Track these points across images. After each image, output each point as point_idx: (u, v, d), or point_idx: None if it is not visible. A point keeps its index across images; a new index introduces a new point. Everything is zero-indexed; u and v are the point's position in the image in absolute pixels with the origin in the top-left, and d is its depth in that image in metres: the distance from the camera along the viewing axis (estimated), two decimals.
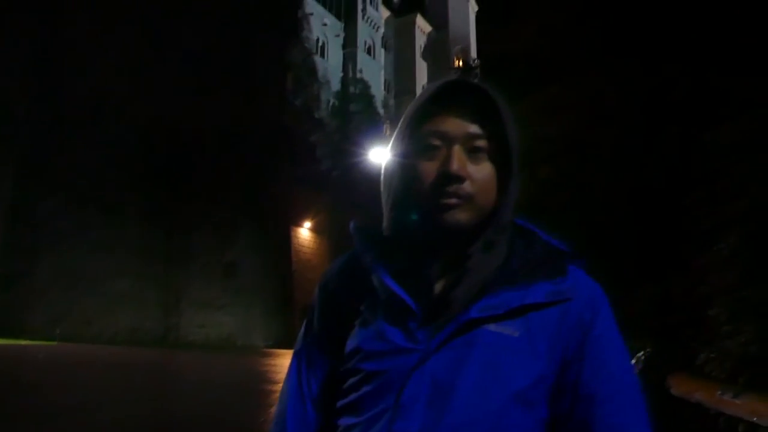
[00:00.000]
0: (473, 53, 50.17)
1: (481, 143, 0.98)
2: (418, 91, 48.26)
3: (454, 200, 0.96)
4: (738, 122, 5.51)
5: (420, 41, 50.72)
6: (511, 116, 1.01)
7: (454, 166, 0.95)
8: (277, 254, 21.65)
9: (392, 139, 1.06)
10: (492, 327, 0.94)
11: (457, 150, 0.97)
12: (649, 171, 6.61)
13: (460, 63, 38.06)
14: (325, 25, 36.57)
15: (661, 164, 6.48)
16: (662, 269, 7.21)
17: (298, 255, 27.27)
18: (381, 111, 43.23)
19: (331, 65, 37.23)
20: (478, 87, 0.99)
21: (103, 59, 12.32)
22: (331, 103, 36.81)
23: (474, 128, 0.98)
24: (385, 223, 1.05)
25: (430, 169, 0.98)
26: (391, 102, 47.45)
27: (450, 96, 0.99)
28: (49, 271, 14.12)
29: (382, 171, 1.07)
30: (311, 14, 35.09)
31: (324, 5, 36.93)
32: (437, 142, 0.98)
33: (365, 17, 40.62)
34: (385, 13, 45.00)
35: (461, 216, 0.96)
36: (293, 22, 29.01)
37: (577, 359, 0.95)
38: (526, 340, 0.93)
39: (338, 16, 38.25)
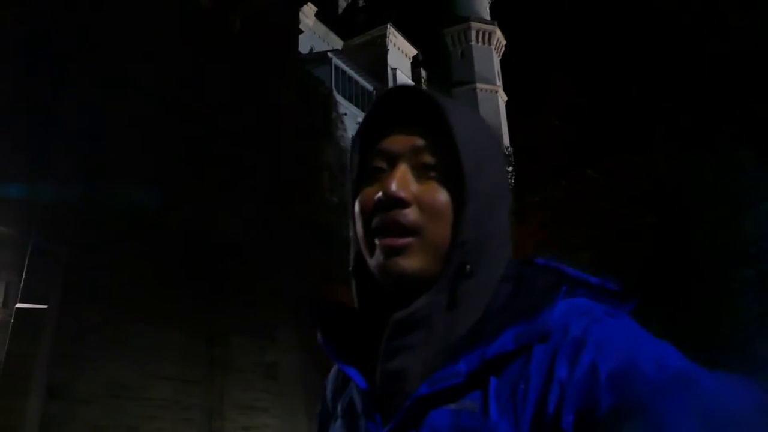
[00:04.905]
0: (506, 141, 50.92)
1: (431, 160, 0.75)
2: None
3: (399, 241, 0.72)
4: None
5: None
6: (468, 121, 0.77)
7: (393, 185, 0.73)
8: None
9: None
10: (451, 404, 0.68)
11: (402, 169, 0.75)
12: (685, 254, 6.29)
13: None
14: (359, 123, 37.89)
15: (703, 244, 6.20)
16: None
17: None
18: None
19: None
20: (421, 93, 0.77)
21: (142, 176, 12.90)
22: None
23: (420, 141, 0.76)
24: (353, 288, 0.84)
25: (370, 196, 0.76)
26: None
27: (397, 109, 0.78)
28: (92, 381, 14.16)
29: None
30: (345, 114, 36.46)
31: (356, 105, 38.45)
32: (382, 164, 0.78)
33: None
34: None
35: (407, 264, 0.73)
36: (327, 122, 30.09)
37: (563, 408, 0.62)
38: (481, 416, 0.66)
39: None
